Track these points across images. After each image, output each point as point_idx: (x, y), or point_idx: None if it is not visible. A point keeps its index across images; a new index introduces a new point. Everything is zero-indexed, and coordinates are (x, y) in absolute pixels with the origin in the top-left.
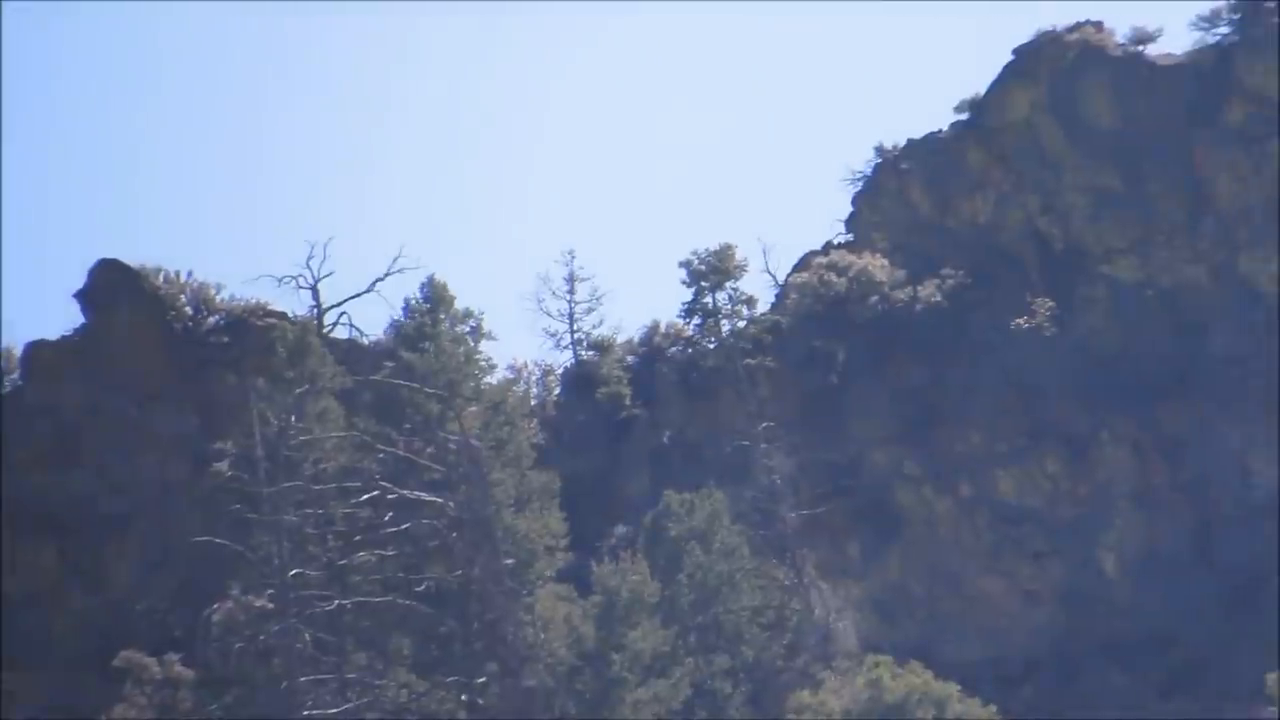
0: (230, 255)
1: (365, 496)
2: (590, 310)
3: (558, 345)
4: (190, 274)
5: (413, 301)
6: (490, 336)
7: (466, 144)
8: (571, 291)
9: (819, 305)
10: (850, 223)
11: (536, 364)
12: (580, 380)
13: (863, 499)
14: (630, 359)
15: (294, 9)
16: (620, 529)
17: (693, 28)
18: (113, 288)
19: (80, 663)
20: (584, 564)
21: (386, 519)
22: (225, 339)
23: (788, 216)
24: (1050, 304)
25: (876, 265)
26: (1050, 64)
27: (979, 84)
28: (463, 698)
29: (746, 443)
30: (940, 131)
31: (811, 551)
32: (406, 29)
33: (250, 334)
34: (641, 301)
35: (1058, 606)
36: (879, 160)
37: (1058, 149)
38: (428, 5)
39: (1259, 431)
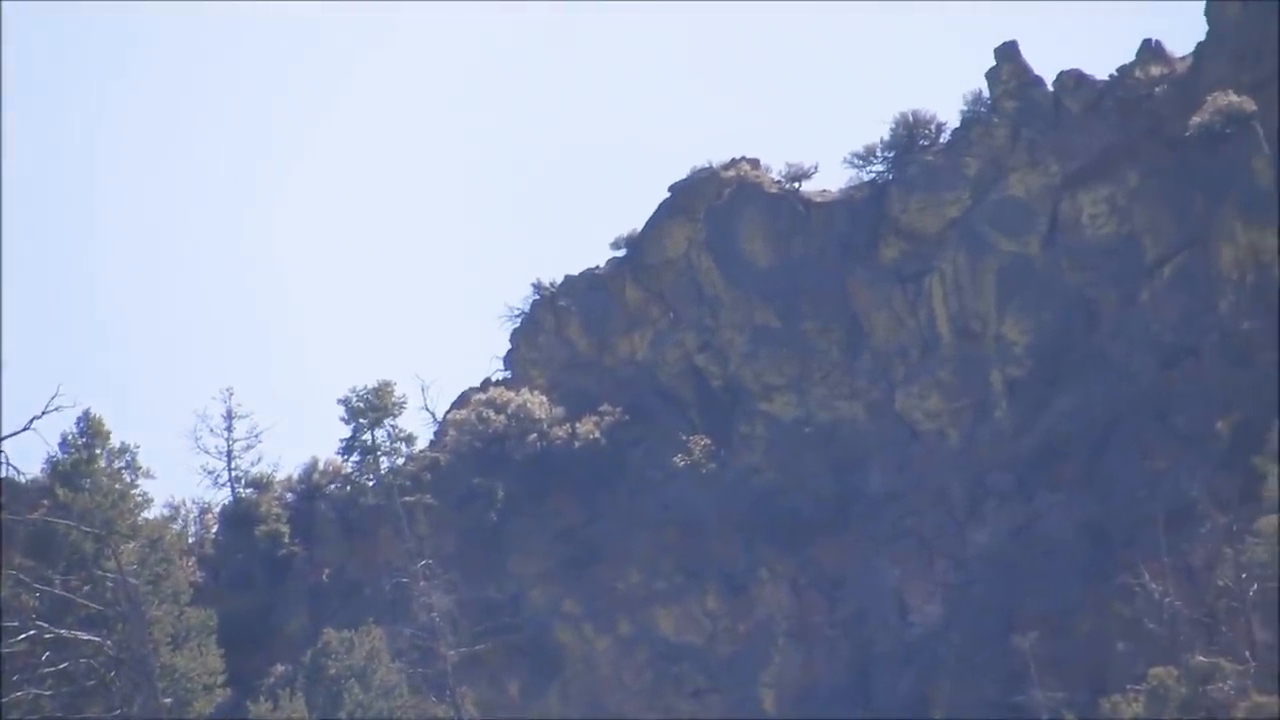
0: None
1: (22, 635)
2: (249, 447)
3: (216, 483)
4: None
5: (69, 437)
6: (148, 474)
7: (118, 279)
8: (230, 428)
9: (477, 442)
10: (509, 360)
11: (195, 501)
12: (238, 517)
13: (522, 637)
14: (289, 496)
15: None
16: (279, 667)
17: (351, 161)
18: None
19: None
20: (243, 703)
21: (44, 658)
22: None
23: (446, 354)
24: (707, 441)
25: (535, 402)
26: (707, 201)
27: (636, 220)
28: None
29: (405, 580)
30: (597, 268)
31: (471, 689)
32: None
33: None
34: (300, 438)
35: None
36: (536, 297)
37: (715, 286)
38: None
39: (916, 568)
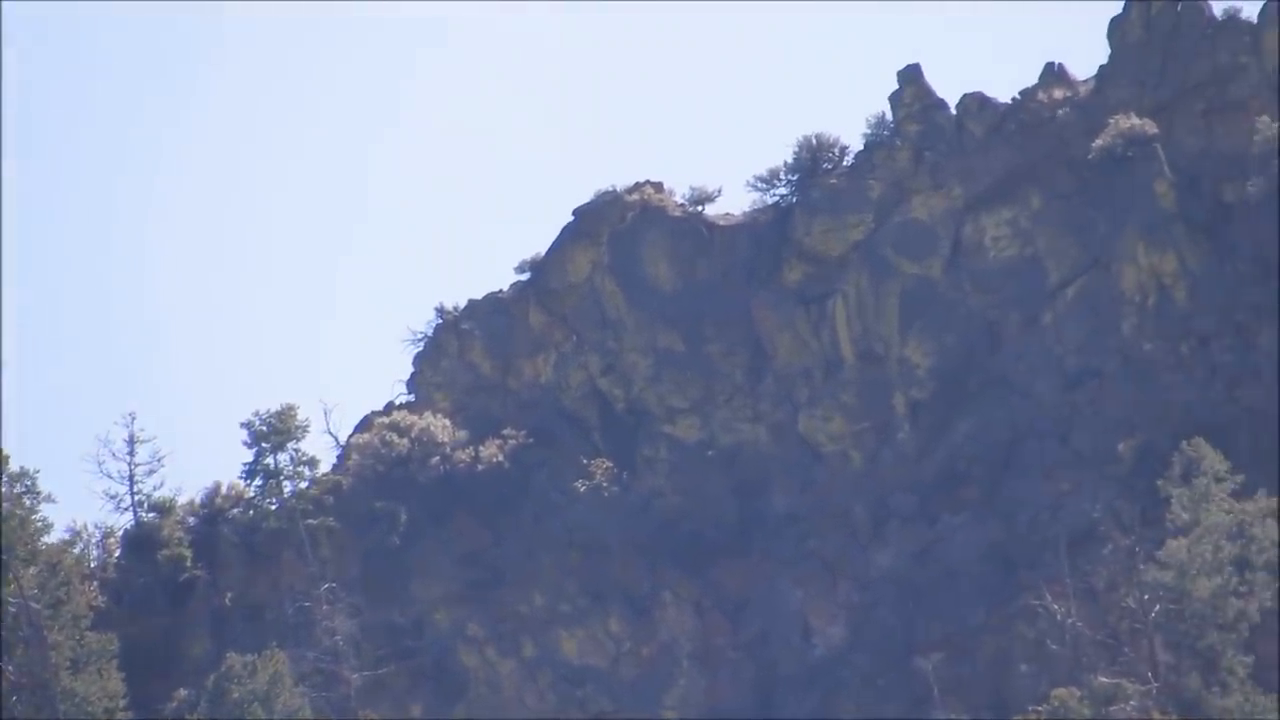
0: None
1: None
2: (151, 472)
3: (118, 507)
4: None
5: None
6: (49, 499)
7: (15, 301)
8: (132, 453)
9: (380, 466)
10: (412, 383)
11: (96, 526)
12: (141, 542)
13: (426, 660)
14: (191, 520)
15: None
16: (182, 692)
17: (253, 183)
18: None
19: None
20: None
21: None
22: None
23: (349, 378)
24: (610, 464)
25: (438, 425)
26: (610, 224)
27: (540, 244)
28: None
29: (308, 604)
30: (501, 292)
31: (374, 713)
32: None
33: None
34: (203, 463)
35: None
36: (440, 320)
37: (619, 309)
38: None
39: (819, 590)
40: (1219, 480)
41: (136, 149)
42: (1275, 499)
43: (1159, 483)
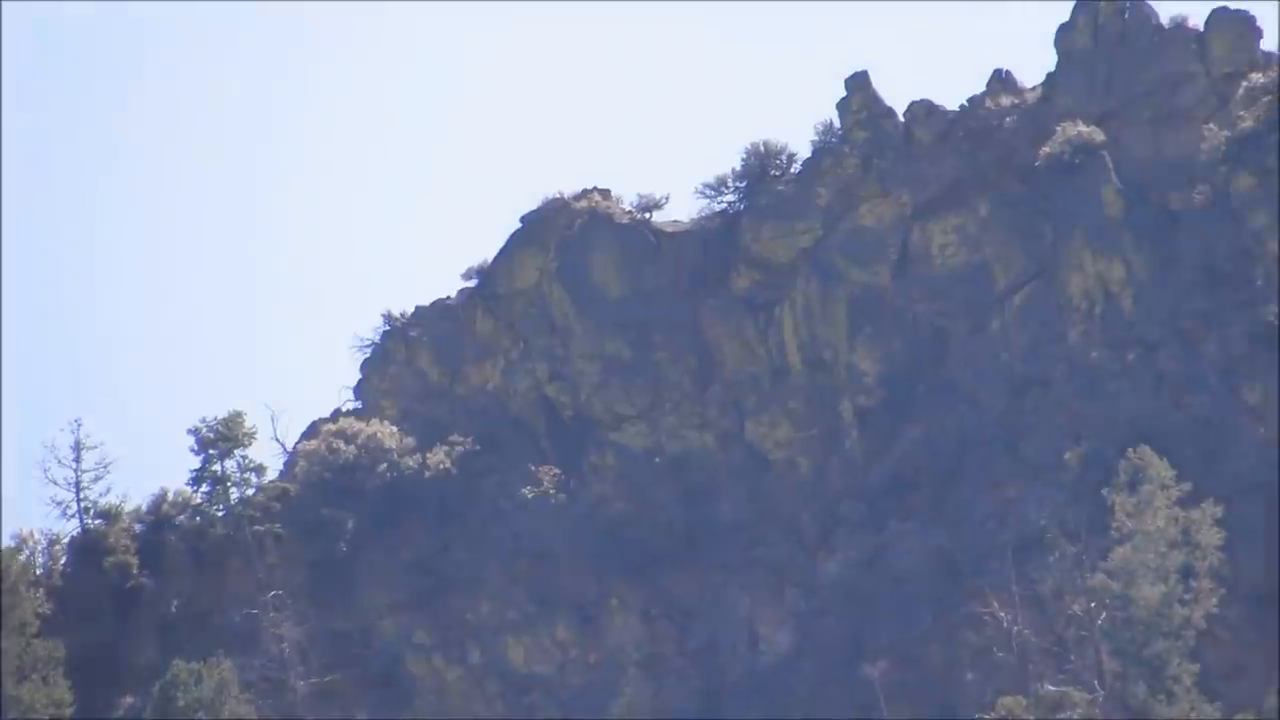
0: None
1: None
2: (98, 478)
3: (65, 514)
4: None
5: None
6: None
7: None
8: (78, 460)
9: (328, 473)
10: (359, 390)
11: (43, 533)
12: (87, 549)
13: (373, 668)
14: (138, 527)
15: None
16: (128, 699)
17: (200, 187)
18: None
19: None
20: None
21: None
22: None
23: (296, 384)
24: (558, 471)
25: (386, 433)
26: (558, 231)
27: (487, 251)
28: None
29: (255, 611)
30: (448, 298)
31: None
32: None
33: None
34: (150, 469)
35: None
36: (387, 327)
37: (566, 316)
38: None
39: (766, 597)
40: (1164, 488)
41: (83, 151)
42: (1220, 506)
43: (1105, 490)
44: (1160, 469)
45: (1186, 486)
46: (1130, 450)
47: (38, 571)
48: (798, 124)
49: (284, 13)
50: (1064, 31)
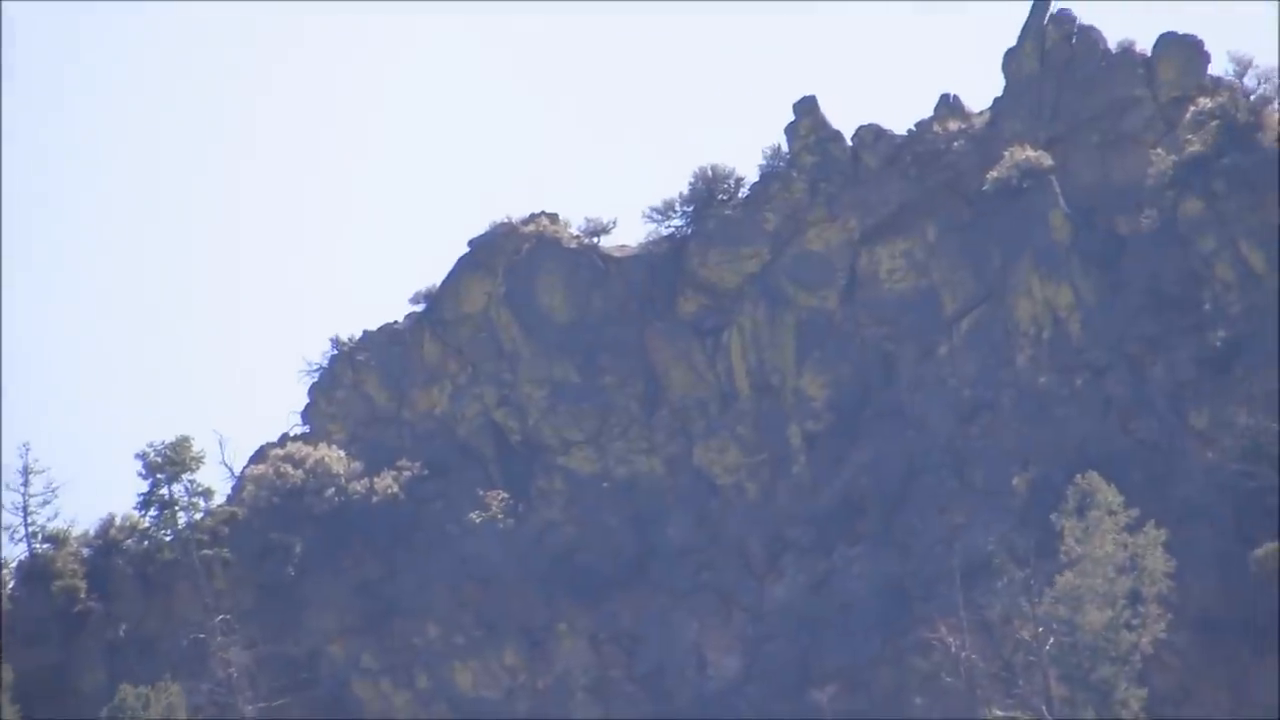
0: None
1: None
2: (46, 502)
3: (12, 538)
4: None
5: None
6: None
7: None
8: (26, 484)
9: (275, 497)
10: (307, 414)
11: None
12: (35, 573)
13: (321, 692)
14: (86, 551)
15: None
16: None
17: (148, 209)
18: None
19: None
20: None
21: None
22: None
23: (244, 409)
24: (506, 496)
25: (333, 457)
26: (506, 255)
27: (435, 275)
28: None
29: (203, 636)
30: (396, 323)
31: None
32: None
33: None
34: (97, 494)
35: None
36: (335, 352)
37: (514, 341)
38: None
39: (715, 622)
40: (1112, 513)
41: (25, 168)
42: (1167, 531)
43: (1053, 516)
44: (1108, 494)
45: (1134, 512)
46: (1078, 475)
47: None
48: (745, 148)
49: (220, 44)
50: (1011, 56)
